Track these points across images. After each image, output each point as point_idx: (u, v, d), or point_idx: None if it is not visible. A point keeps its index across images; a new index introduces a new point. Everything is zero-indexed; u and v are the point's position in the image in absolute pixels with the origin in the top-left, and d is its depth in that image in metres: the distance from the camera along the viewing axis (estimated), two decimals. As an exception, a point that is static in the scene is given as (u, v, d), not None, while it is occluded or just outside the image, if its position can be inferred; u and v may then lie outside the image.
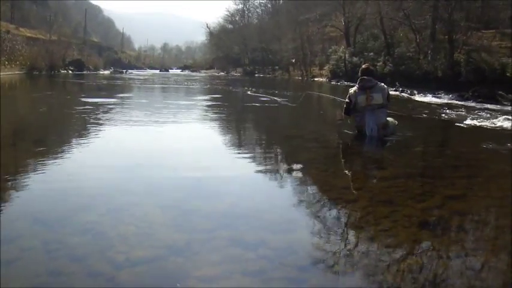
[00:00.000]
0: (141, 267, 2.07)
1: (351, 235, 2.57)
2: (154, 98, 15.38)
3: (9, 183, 3.43)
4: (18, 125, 7.07)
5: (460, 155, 5.23)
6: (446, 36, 17.88)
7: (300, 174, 4.11)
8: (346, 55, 27.12)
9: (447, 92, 14.63)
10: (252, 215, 2.88)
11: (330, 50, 31.33)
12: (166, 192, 3.35)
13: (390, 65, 20.94)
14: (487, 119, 8.15)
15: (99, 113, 8.27)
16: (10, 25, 37.47)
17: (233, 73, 49.45)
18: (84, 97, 12.66)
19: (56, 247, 2.26)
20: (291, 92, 16.72)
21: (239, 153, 5.16)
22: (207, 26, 68.56)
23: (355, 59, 25.26)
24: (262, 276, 2.03)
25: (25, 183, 3.41)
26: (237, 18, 60.64)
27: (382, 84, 6.00)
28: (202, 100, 13.53)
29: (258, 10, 59.62)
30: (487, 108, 10.73)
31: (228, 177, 3.89)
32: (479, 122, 7.78)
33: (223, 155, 4.98)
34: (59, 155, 4.59)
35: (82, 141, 5.45)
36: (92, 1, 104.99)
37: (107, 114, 8.18)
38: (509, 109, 10.59)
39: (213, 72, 53.90)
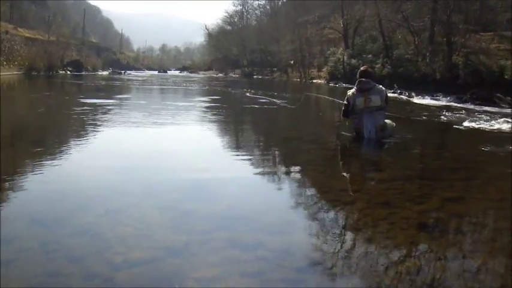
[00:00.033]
0: (139, 269, 2.06)
1: (349, 237, 2.57)
2: (153, 99, 15.37)
3: (7, 183, 3.42)
4: (16, 125, 7.05)
5: (458, 157, 5.24)
6: (445, 39, 17.93)
7: (298, 176, 4.12)
8: (345, 57, 27.15)
9: (445, 94, 14.64)
10: (250, 216, 2.88)
11: (329, 51, 31.35)
12: (165, 193, 3.35)
13: (389, 67, 20.97)
14: (486, 121, 8.16)
15: (97, 114, 8.26)
16: (9, 25, 37.35)
17: (231, 74, 49.47)
18: (82, 98, 12.65)
19: (54, 248, 2.25)
20: (289, 94, 16.72)
21: (237, 155, 5.16)
22: (206, 28, 68.76)
23: (353, 61, 25.29)
24: (260, 278, 2.03)
25: (23, 184, 3.40)
26: (235, 20, 60.73)
27: (381, 86, 6.01)
28: (200, 101, 13.52)
29: (256, 12, 59.89)
30: (485, 111, 10.75)
31: (226, 178, 3.89)
32: (477, 124, 7.79)
33: (221, 157, 4.98)
34: (57, 156, 4.58)
35: (80, 142, 5.45)
36: (90, 1, 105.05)
37: (105, 115, 8.18)
38: (508, 111, 10.62)
39: (211, 74, 53.91)
